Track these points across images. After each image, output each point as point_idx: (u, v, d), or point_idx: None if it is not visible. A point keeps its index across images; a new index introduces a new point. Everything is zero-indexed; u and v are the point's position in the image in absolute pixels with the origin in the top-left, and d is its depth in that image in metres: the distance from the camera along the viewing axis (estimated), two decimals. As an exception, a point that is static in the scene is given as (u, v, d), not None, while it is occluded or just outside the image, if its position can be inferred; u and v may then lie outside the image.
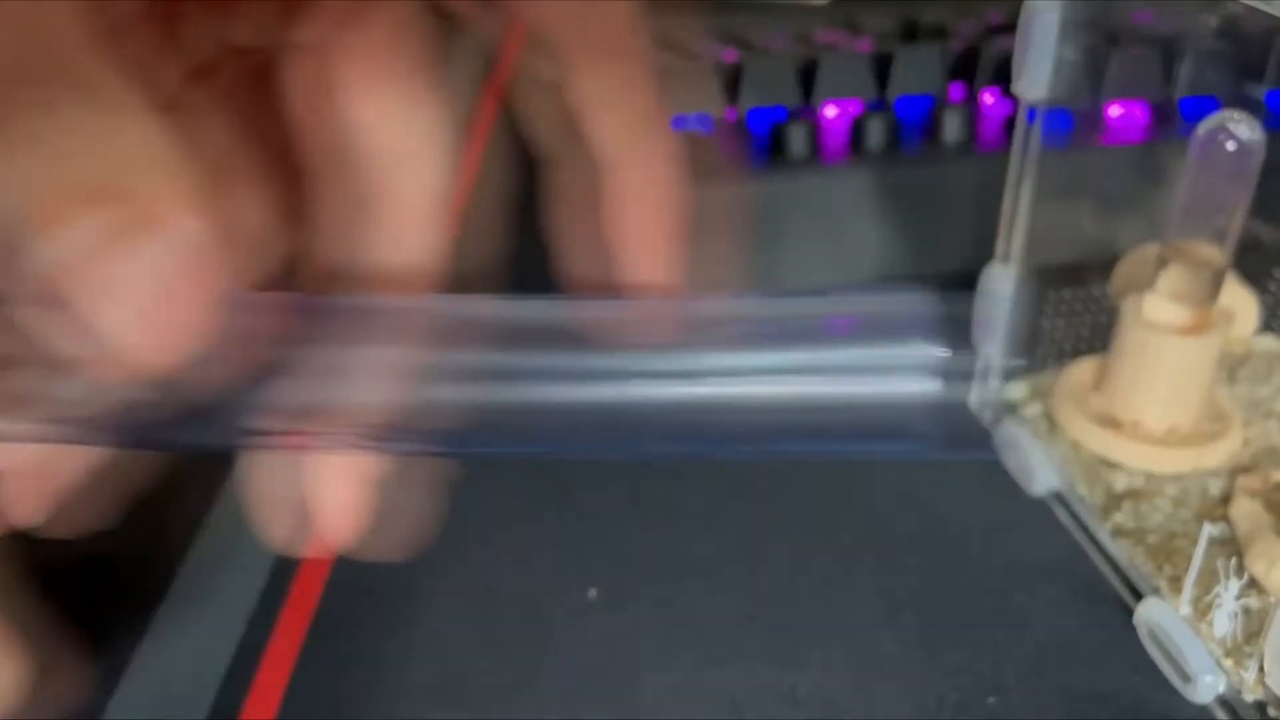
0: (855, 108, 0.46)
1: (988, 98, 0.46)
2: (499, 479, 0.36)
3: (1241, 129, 0.31)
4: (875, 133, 0.43)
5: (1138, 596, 0.30)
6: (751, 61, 0.46)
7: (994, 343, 0.36)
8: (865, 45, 0.51)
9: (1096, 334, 0.38)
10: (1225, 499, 0.32)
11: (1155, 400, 0.33)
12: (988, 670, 0.29)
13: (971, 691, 0.29)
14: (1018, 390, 0.37)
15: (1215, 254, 0.32)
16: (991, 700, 0.28)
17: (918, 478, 0.36)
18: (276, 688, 0.29)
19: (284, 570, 0.32)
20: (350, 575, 0.32)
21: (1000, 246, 0.35)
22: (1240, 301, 0.37)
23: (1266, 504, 0.30)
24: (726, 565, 0.33)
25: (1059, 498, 0.34)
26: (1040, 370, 0.37)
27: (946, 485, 0.35)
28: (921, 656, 0.30)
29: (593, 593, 0.32)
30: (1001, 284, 0.35)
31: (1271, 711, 0.26)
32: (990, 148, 0.42)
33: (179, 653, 0.30)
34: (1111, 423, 0.33)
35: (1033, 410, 0.36)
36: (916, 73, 0.46)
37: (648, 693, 0.29)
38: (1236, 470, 0.33)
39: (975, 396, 0.38)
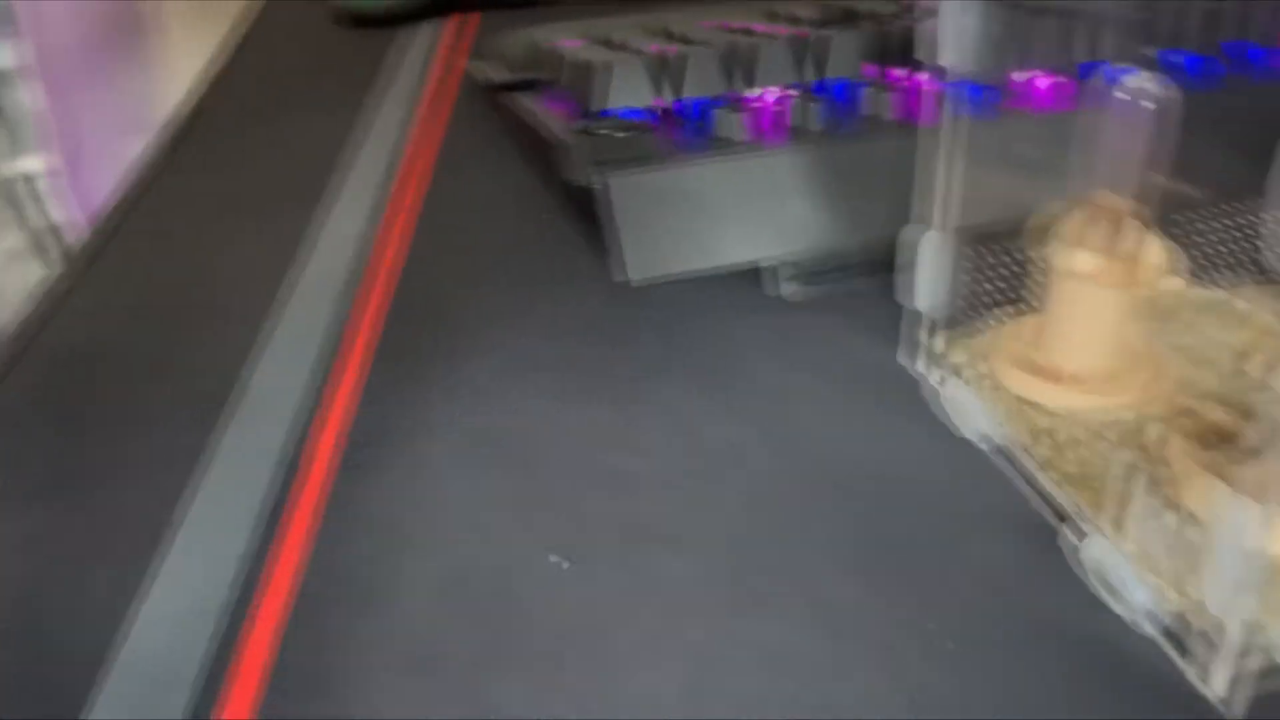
0: (784, 91, 0.48)
1: (909, 73, 0.48)
2: (460, 455, 0.37)
3: (1155, 88, 0.33)
4: (803, 114, 0.44)
5: (1071, 528, 0.32)
6: (682, 51, 0.47)
7: (919, 299, 0.38)
8: (790, 31, 0.53)
9: (1018, 287, 0.40)
10: (1149, 435, 0.34)
11: (1077, 345, 0.35)
12: (943, 614, 0.31)
13: (931, 635, 0.30)
14: (945, 342, 0.39)
15: (1133, 208, 0.34)
16: (950, 645, 0.30)
17: (862, 434, 0.37)
18: (257, 671, 0.30)
19: (262, 553, 0.33)
20: (326, 557, 0.33)
21: (921, 209, 0.37)
22: (1165, 254, 0.39)
23: (1201, 442, 0.32)
24: (687, 527, 0.34)
25: (990, 440, 0.36)
26: (965, 323, 0.39)
27: (887, 437, 0.37)
28: (879, 604, 0.31)
29: (559, 560, 0.33)
30: (924, 244, 0.37)
31: (1195, 624, 0.28)
32: (916, 120, 0.44)
33: (156, 638, 0.31)
34: (1035, 368, 0.35)
35: (960, 360, 0.38)
36: (841, 55, 0.48)
37: (617, 650, 0.30)
38: (1162, 410, 0.35)
39: (903, 350, 0.40)
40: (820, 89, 0.47)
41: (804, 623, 0.31)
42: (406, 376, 0.42)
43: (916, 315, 0.39)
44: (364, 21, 0.77)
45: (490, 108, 0.62)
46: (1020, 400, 0.35)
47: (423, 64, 0.70)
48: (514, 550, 0.34)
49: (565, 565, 0.33)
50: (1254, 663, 0.27)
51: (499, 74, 0.60)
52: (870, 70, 0.49)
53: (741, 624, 0.31)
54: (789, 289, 0.44)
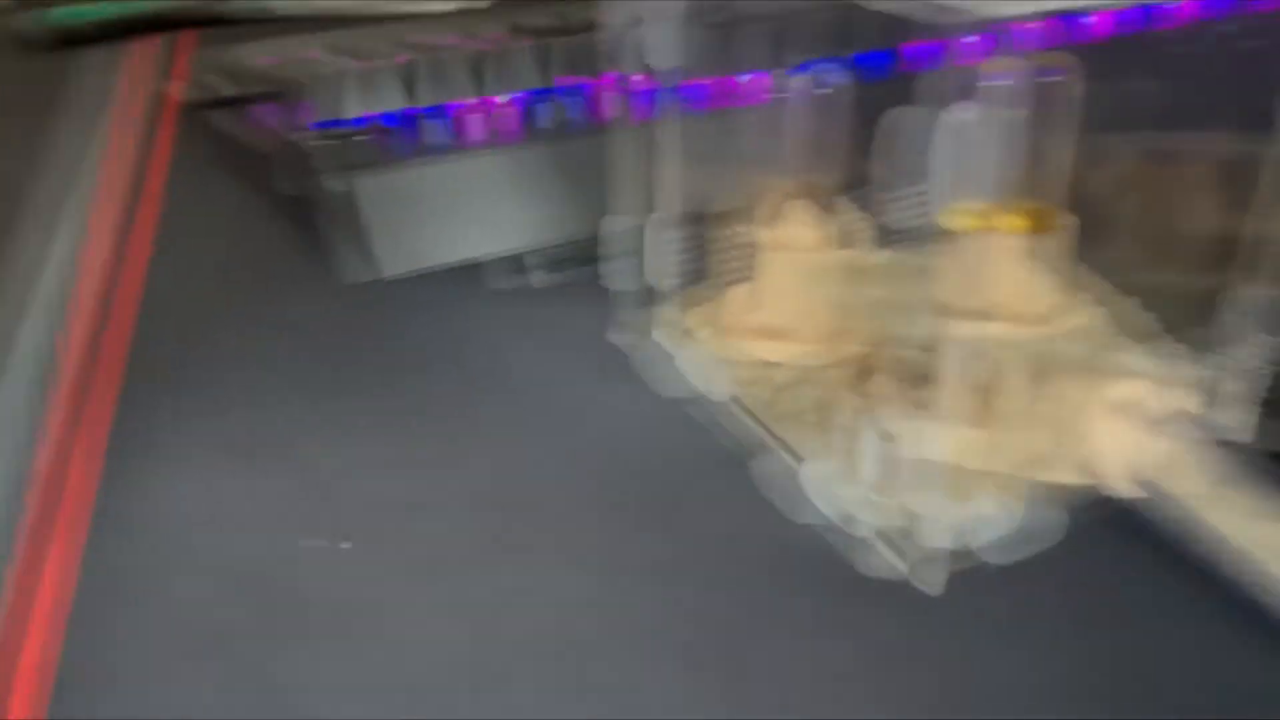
0: (507, 96, 0.51)
1: (622, 78, 0.53)
2: (220, 455, 0.38)
3: (826, 82, 0.39)
4: (532, 117, 0.48)
5: (779, 458, 0.37)
6: (405, 61, 0.50)
7: (647, 275, 0.43)
8: (509, 42, 0.56)
9: (716, 263, 0.45)
10: (842, 375, 0.40)
11: (778, 306, 0.41)
12: (676, 543, 0.35)
13: (663, 562, 0.34)
14: (652, 315, 0.44)
15: (820, 186, 0.40)
16: (685, 566, 0.34)
17: (590, 404, 0.41)
18: (33, 675, 0.30)
19: (37, 560, 0.34)
20: (95, 564, 0.34)
21: (623, 200, 0.41)
22: (849, 225, 0.46)
23: (895, 378, 0.38)
24: (447, 501, 0.37)
25: (709, 394, 0.41)
26: (672, 296, 0.44)
27: (612, 404, 0.41)
28: (622, 542, 0.35)
29: (320, 543, 0.35)
30: (647, 228, 0.42)
31: (885, 521, 0.34)
32: (627, 121, 0.49)
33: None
34: (748, 328, 0.41)
35: (666, 329, 0.43)
36: (560, 63, 0.52)
37: (398, 614, 0.33)
38: (851, 354, 0.41)
39: (615, 329, 0.44)
40: (545, 94, 0.51)
41: (563, 566, 0.34)
42: (160, 388, 0.42)
43: (626, 297, 0.43)
44: (71, 40, 0.73)
45: (201, 127, 0.61)
46: (737, 356, 0.41)
47: (117, 86, 0.69)
48: (281, 537, 0.35)
49: (344, 545, 0.35)
50: (931, 546, 0.33)
51: (211, 92, 0.60)
52: (587, 76, 0.53)
53: (508, 577, 0.34)
54: (536, 277, 0.48)
